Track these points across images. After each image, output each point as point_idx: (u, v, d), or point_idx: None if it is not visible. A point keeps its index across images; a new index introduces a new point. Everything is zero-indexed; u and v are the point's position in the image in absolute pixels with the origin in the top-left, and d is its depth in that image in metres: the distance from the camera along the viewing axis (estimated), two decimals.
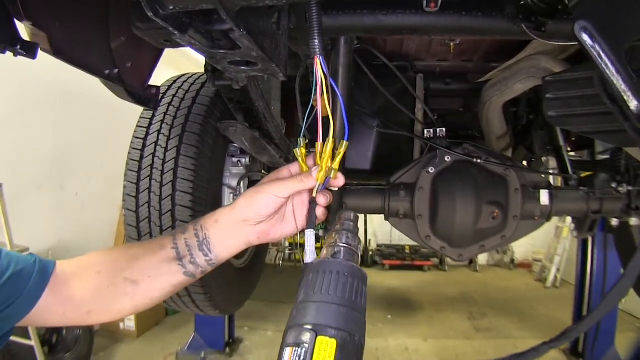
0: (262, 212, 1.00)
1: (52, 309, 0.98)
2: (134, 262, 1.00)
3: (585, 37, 0.75)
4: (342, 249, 0.85)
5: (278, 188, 0.98)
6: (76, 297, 0.99)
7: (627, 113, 0.75)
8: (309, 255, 0.89)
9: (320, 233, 2.17)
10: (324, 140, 0.97)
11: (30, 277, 0.96)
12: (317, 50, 0.94)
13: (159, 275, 1.00)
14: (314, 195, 1.00)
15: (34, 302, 0.95)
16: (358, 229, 0.98)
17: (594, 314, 1.20)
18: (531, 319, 6.63)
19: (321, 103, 0.93)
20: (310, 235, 0.92)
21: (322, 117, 0.96)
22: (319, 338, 0.64)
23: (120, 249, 1.05)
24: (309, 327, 0.66)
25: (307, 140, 1.03)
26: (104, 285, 1.00)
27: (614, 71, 0.73)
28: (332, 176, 0.99)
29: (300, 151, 1.00)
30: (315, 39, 0.95)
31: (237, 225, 1.01)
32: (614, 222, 2.30)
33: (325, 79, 0.93)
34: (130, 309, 1.02)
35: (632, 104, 0.74)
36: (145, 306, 1.03)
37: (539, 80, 1.92)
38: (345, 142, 0.99)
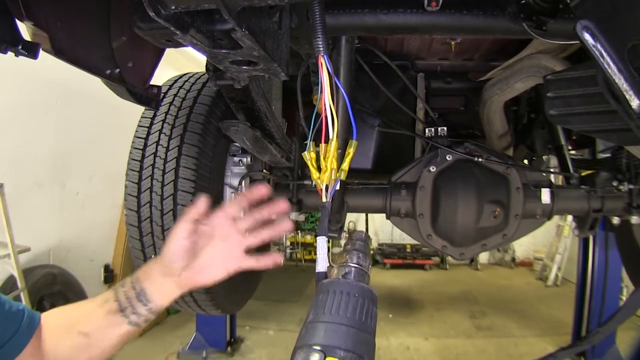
0: (173, 259, 1.04)
1: (32, 358, 1.00)
2: (85, 316, 1.05)
3: (587, 37, 0.75)
4: (353, 269, 0.85)
5: (177, 227, 1.05)
6: (44, 350, 1.02)
7: (629, 112, 0.75)
8: (321, 264, 0.87)
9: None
10: (328, 141, 0.96)
11: (21, 319, 0.98)
12: (322, 49, 0.94)
13: (106, 326, 1.04)
14: (324, 199, 0.98)
15: (25, 343, 0.97)
16: (369, 248, 0.98)
17: (618, 316, 1.19)
18: (532, 318, 6.63)
19: (327, 102, 0.92)
20: (322, 242, 0.90)
21: (326, 117, 0.95)
22: (328, 359, 0.64)
23: (73, 305, 1.13)
24: (318, 347, 0.65)
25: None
26: (61, 339, 1.04)
27: (615, 70, 0.73)
28: (342, 177, 0.98)
29: (309, 155, 1.00)
30: (318, 37, 0.95)
31: (164, 276, 1.06)
32: (615, 220, 2.30)
33: (330, 78, 0.93)
34: (81, 354, 1.05)
35: (634, 102, 0.74)
36: (100, 357, 1.07)
37: (540, 79, 1.92)
38: (354, 141, 0.99)
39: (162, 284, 1.06)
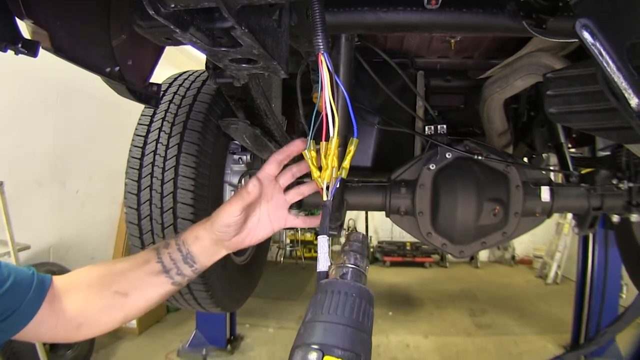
0: (229, 230, 1.06)
1: (46, 323, 1.01)
2: (122, 276, 1.06)
3: (586, 35, 0.75)
4: (350, 270, 0.87)
5: (230, 207, 1.04)
6: (67, 311, 1.03)
7: (628, 110, 0.75)
8: (322, 263, 0.88)
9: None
10: (329, 139, 0.96)
11: (29, 288, 0.99)
12: (322, 47, 0.94)
13: (147, 286, 1.06)
14: (325, 198, 0.98)
15: (32, 313, 0.98)
16: (367, 250, 0.99)
17: (625, 317, 1.18)
18: (532, 316, 6.64)
19: (327, 100, 0.92)
20: (323, 241, 0.91)
21: (327, 115, 0.95)
22: (326, 358, 0.65)
23: (106, 264, 1.11)
24: (316, 346, 0.66)
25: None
26: (94, 298, 1.05)
27: (614, 69, 0.73)
28: (343, 175, 0.98)
29: (309, 153, 1.00)
30: (318, 36, 0.95)
31: (214, 242, 1.08)
32: (615, 218, 2.30)
33: (331, 76, 0.92)
34: (120, 319, 1.08)
35: (633, 101, 0.74)
36: (134, 316, 1.09)
37: (540, 77, 1.92)
38: (355, 139, 0.99)
39: (210, 247, 1.08)
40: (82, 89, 4.71)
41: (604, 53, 0.74)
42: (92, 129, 5.41)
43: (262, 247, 3.15)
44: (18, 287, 0.97)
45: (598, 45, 0.74)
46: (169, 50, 1.52)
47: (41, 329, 1.00)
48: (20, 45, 0.99)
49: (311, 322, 0.72)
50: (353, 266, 0.87)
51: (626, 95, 0.74)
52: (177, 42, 0.96)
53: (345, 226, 3.30)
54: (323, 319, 0.71)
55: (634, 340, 4.88)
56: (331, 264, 0.89)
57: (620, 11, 0.77)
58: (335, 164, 0.96)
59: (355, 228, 10.40)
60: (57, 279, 1.06)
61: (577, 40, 0.79)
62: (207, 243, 1.07)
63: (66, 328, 1.03)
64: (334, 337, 0.68)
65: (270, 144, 1.79)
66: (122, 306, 1.05)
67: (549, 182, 2.14)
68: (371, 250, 10.45)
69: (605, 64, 0.74)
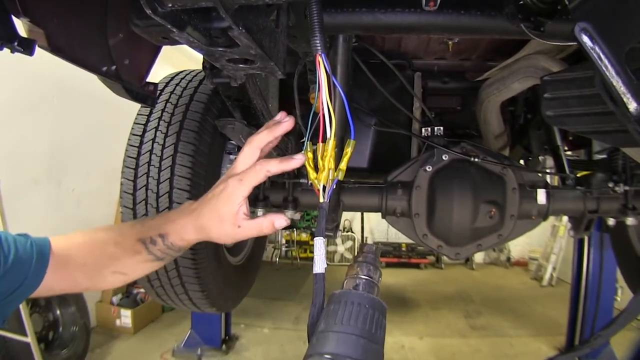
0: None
1: (57, 285, 1.05)
2: (117, 261, 1.08)
3: (585, 39, 0.74)
4: (363, 281, 0.88)
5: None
6: (73, 271, 1.07)
7: (626, 114, 0.75)
8: (319, 264, 0.88)
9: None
10: (325, 140, 0.95)
11: (31, 260, 1.00)
12: (319, 48, 0.94)
13: (142, 268, 1.12)
14: (321, 200, 0.97)
15: (37, 284, 1.01)
16: (380, 261, 1.00)
17: (619, 320, 1.18)
18: (527, 318, 6.65)
19: (324, 101, 0.92)
20: (319, 243, 0.91)
21: (324, 116, 0.94)
22: None
23: (98, 244, 1.10)
24: (329, 356, 0.67)
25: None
26: (91, 272, 1.09)
27: (613, 73, 0.73)
28: (339, 177, 0.98)
29: (306, 155, 0.99)
30: (316, 37, 0.94)
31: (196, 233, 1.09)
32: (611, 221, 2.31)
33: (328, 77, 0.92)
34: (122, 282, 1.15)
35: (632, 105, 0.74)
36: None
37: (537, 80, 1.92)
38: (352, 141, 0.99)
39: (183, 228, 1.08)
40: (79, 87, 4.69)
41: (603, 57, 0.74)
42: (89, 127, 5.39)
43: (258, 248, 3.14)
44: (20, 261, 0.97)
45: (597, 49, 0.74)
46: (166, 49, 1.52)
47: (54, 289, 1.06)
48: (16, 44, 0.98)
49: (324, 332, 0.72)
50: (366, 277, 0.88)
51: (624, 99, 0.74)
52: (174, 42, 0.95)
53: (340, 227, 3.30)
54: (336, 329, 0.72)
55: (632, 345, 4.88)
56: (331, 266, 0.89)
57: (619, 15, 0.77)
58: (332, 165, 0.96)
59: (351, 229, 10.41)
60: (57, 241, 1.08)
61: (575, 43, 0.79)
62: (191, 232, 1.08)
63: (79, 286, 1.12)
64: (347, 348, 0.69)
65: None
66: (123, 280, 1.12)
67: (545, 185, 2.14)
68: None
69: (604, 68, 0.74)
